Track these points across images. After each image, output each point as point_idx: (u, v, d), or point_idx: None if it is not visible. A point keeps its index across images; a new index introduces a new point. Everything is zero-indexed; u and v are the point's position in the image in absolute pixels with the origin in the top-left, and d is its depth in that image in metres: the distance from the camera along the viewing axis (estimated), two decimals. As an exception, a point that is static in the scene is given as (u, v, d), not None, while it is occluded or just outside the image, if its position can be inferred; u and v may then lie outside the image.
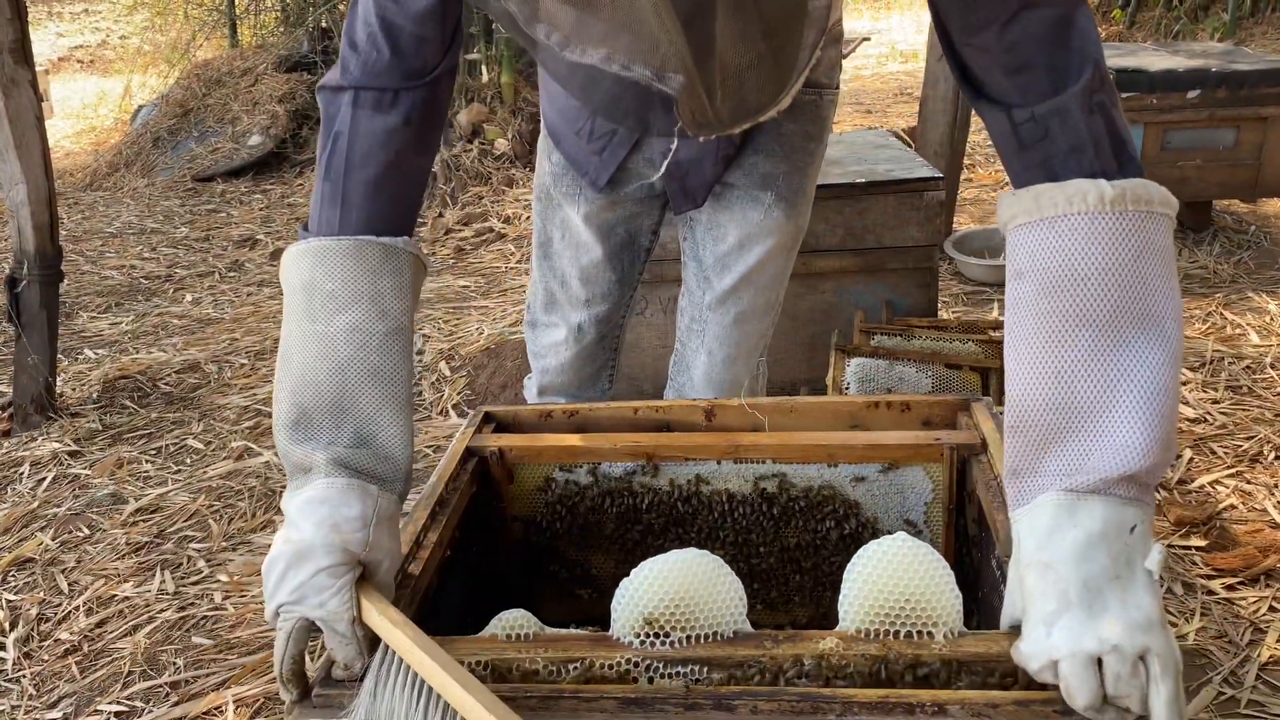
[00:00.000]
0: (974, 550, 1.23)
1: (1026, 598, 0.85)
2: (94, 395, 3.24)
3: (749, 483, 1.28)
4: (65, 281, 3.18)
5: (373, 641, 0.91)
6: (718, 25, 0.71)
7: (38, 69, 2.90)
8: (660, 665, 0.89)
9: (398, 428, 1.00)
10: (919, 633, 0.89)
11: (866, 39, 6.21)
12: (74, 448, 2.91)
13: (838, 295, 2.27)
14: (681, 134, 0.95)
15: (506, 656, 0.91)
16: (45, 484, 2.74)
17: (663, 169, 1.38)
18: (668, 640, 0.89)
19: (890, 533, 1.15)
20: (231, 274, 4.59)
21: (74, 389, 3.31)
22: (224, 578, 2.24)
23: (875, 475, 1.26)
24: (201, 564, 2.31)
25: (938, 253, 2.26)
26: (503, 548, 1.36)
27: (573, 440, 1.30)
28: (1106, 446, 0.84)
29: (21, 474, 2.80)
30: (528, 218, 4.92)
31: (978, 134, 5.68)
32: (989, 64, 0.93)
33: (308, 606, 0.89)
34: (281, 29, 7.95)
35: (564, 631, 0.94)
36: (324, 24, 7.26)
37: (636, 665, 0.88)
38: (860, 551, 0.93)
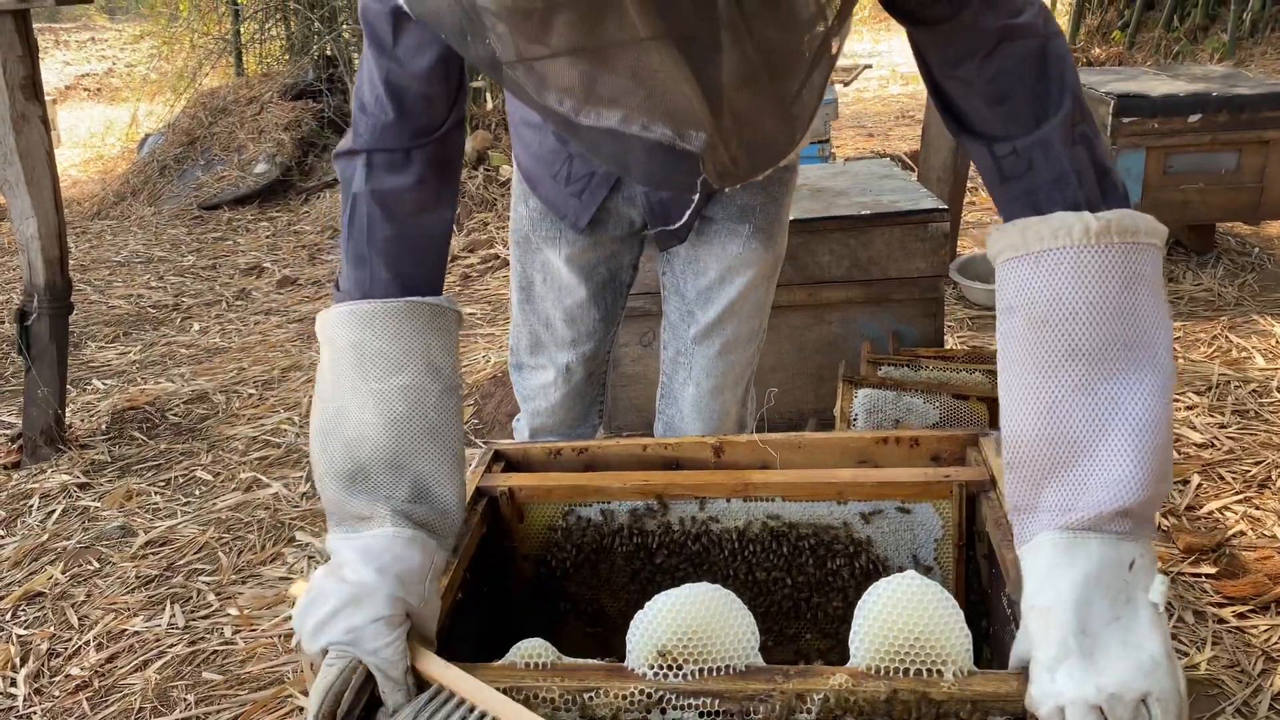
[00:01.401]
0: (984, 587, 1.24)
1: (1031, 642, 0.85)
2: (103, 427, 3.25)
3: (758, 521, 1.28)
4: (74, 312, 3.20)
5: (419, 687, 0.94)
6: (727, 76, 0.72)
7: (45, 98, 2.93)
8: (673, 697, 0.90)
9: (454, 485, 1.03)
10: (929, 671, 0.89)
11: (868, 66, 6.25)
12: (83, 480, 2.92)
13: (844, 326, 2.28)
14: (705, 186, 0.96)
15: (524, 684, 0.93)
16: (55, 516, 2.75)
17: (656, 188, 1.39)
18: (680, 673, 0.91)
19: (901, 569, 1.16)
20: (238, 302, 4.62)
21: (83, 420, 3.32)
22: (234, 611, 2.24)
23: (885, 512, 1.27)
24: (211, 597, 2.31)
25: (943, 283, 2.27)
26: (513, 588, 1.36)
27: (582, 480, 1.31)
28: (1100, 482, 0.84)
29: (31, 506, 2.81)
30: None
31: (980, 156, 5.70)
32: (970, 95, 0.94)
33: (363, 651, 0.91)
34: (286, 57, 8.02)
35: (580, 662, 0.96)
36: (329, 52, 7.33)
37: (649, 696, 0.90)
38: (870, 589, 0.94)
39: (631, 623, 0.94)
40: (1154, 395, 0.85)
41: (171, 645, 2.16)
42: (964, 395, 1.85)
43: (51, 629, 2.26)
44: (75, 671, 2.11)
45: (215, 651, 2.13)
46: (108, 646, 2.18)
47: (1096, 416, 0.84)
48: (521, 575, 1.36)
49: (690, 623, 0.91)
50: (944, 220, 2.17)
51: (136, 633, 2.22)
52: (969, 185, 4.25)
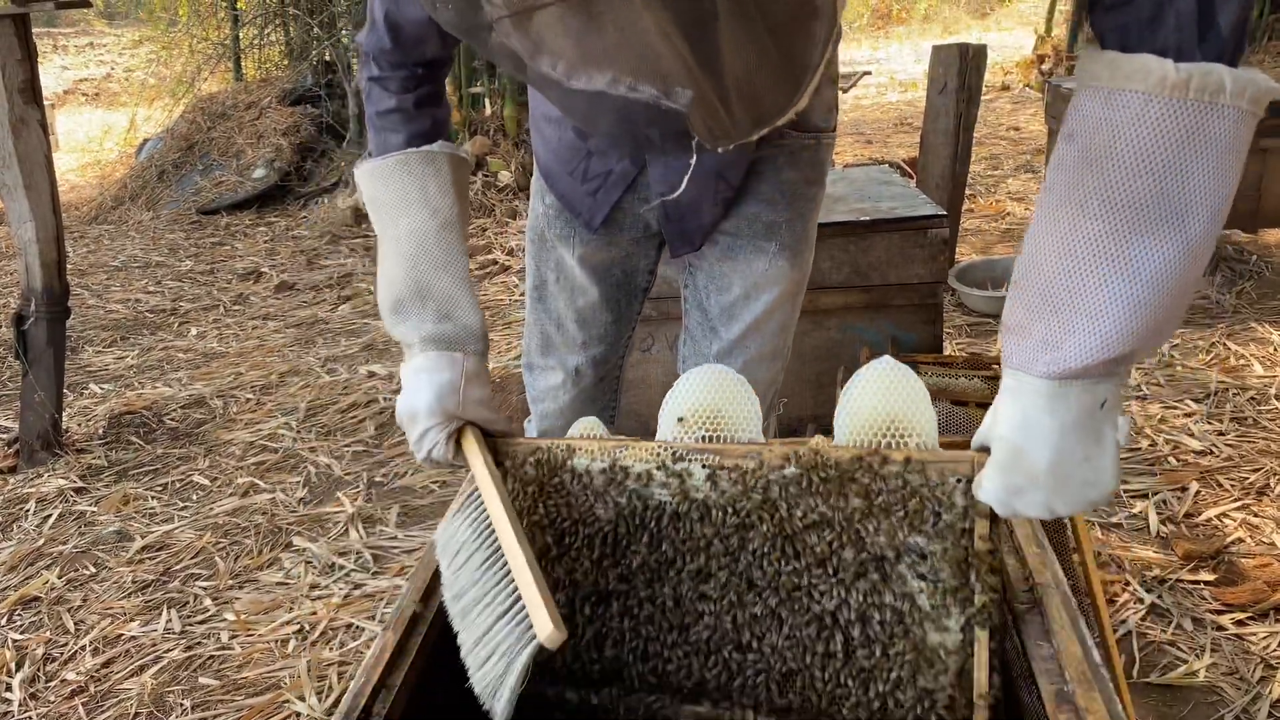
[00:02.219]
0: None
1: (996, 466, 0.91)
2: (100, 431, 3.25)
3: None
4: (71, 316, 3.19)
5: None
6: (721, 31, 0.71)
7: (44, 103, 2.93)
8: (683, 452, 1.06)
9: (468, 301, 1.18)
10: (896, 444, 1.02)
11: (867, 73, 6.25)
12: (80, 484, 2.92)
13: (843, 332, 2.27)
14: (699, 148, 0.96)
15: (573, 442, 1.10)
16: (51, 521, 2.74)
17: (666, 196, 1.39)
18: (692, 435, 1.07)
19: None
20: (236, 307, 4.61)
21: (80, 424, 3.32)
22: (230, 616, 2.23)
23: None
24: (208, 602, 2.30)
25: (942, 289, 2.27)
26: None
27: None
28: (1094, 329, 0.85)
29: (28, 511, 2.81)
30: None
31: (978, 164, 5.72)
32: None
33: (423, 452, 1.14)
34: (285, 63, 8.02)
35: (621, 437, 1.11)
36: (327, 58, 7.34)
37: (664, 451, 1.06)
38: (854, 377, 1.07)
39: (663, 399, 1.11)
40: (1174, 258, 0.83)
41: (168, 650, 2.15)
42: (963, 401, 1.85)
43: (47, 634, 2.25)
44: (71, 676, 2.10)
45: (212, 656, 2.12)
46: (104, 651, 2.18)
47: (1111, 267, 0.84)
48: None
49: (705, 397, 1.09)
50: (943, 227, 2.17)
51: (133, 638, 2.21)
52: (967, 192, 4.26)
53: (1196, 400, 2.78)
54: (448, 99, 1.33)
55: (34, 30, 2.86)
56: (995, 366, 2.02)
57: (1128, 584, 2.06)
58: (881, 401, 1.03)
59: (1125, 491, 2.38)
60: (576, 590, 1.10)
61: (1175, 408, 2.76)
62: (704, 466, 1.05)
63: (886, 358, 1.06)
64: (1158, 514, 2.28)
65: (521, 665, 0.90)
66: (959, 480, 0.98)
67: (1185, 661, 1.84)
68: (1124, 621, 1.96)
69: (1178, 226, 0.83)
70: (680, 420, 1.09)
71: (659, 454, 1.07)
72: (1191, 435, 2.60)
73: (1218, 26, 0.85)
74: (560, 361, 1.62)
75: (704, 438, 1.08)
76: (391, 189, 1.21)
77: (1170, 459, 2.51)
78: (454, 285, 1.18)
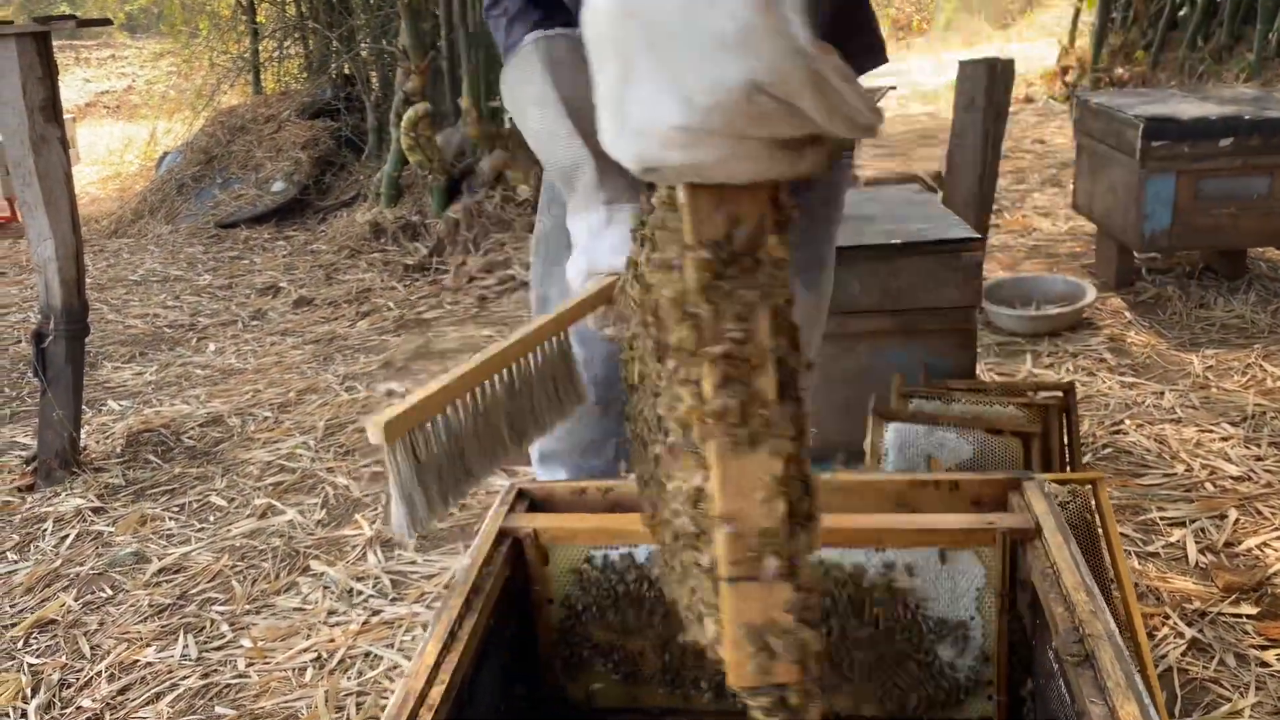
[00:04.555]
0: (1028, 639, 1.18)
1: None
2: (117, 449, 3.23)
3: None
4: (90, 334, 3.18)
5: None
6: None
7: (65, 116, 2.92)
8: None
9: (582, 157, 1.13)
10: None
11: (892, 88, 6.21)
12: (97, 504, 2.89)
13: (873, 357, 2.22)
14: None
15: None
16: (68, 541, 2.71)
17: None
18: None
19: (941, 621, 1.11)
20: (254, 323, 4.60)
21: (98, 442, 3.30)
22: (247, 643, 2.20)
23: (925, 560, 1.22)
24: (225, 628, 2.27)
25: (976, 314, 2.22)
26: (538, 632, 1.32)
27: (607, 522, 1.26)
28: None
29: (45, 530, 2.78)
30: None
31: (1002, 178, 5.65)
32: None
33: None
34: (305, 76, 8.04)
35: None
36: (346, 70, 7.35)
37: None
38: None
39: None
40: None
41: (184, 677, 2.12)
42: (998, 430, 1.80)
43: (63, 658, 2.22)
44: (87, 704, 2.07)
45: (228, 685, 2.08)
46: (119, 678, 2.14)
47: None
48: (545, 619, 1.32)
49: None
50: (977, 250, 2.12)
51: (149, 664, 2.18)
52: (993, 207, 4.20)
53: (1233, 423, 2.71)
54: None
55: (56, 42, 2.85)
56: (1030, 393, 1.97)
57: (1167, 617, 2.00)
58: None
59: (1161, 519, 2.32)
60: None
61: (1211, 431, 2.69)
62: None
63: None
64: (1196, 543, 2.22)
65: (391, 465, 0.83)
66: None
67: (1229, 700, 1.78)
68: (1163, 657, 1.89)
69: None
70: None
71: None
72: (1229, 460, 2.53)
73: None
74: None
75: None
76: (510, 104, 1.20)
77: (1207, 484, 2.45)
78: (567, 150, 1.14)
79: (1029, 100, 8.46)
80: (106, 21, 3.09)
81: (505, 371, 0.92)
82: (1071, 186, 4.21)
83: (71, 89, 13.21)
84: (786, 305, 0.60)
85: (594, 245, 1.07)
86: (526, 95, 1.17)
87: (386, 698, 1.99)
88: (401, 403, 0.82)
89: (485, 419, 0.90)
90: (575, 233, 1.11)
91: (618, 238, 1.05)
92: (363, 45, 7.08)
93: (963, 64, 3.36)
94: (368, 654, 2.12)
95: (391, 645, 2.13)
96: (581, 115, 1.13)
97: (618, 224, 1.07)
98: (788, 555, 0.60)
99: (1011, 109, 3.59)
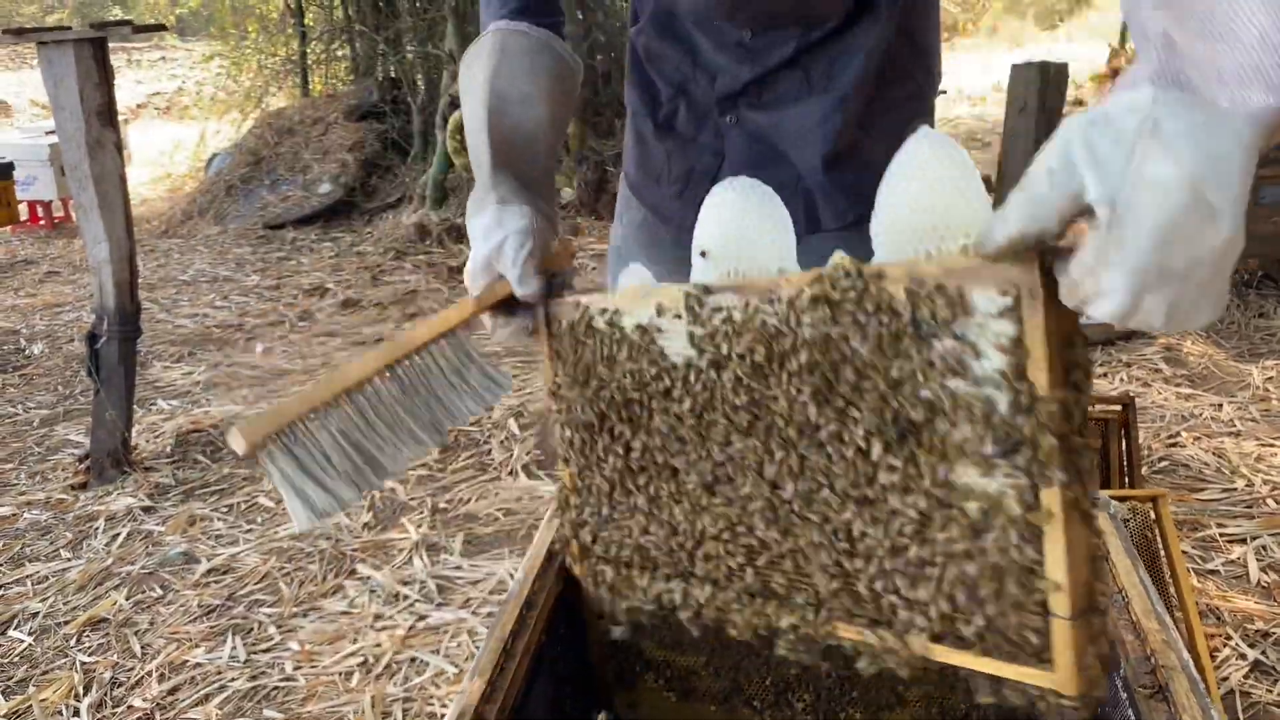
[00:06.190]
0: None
1: (1135, 234, 0.60)
2: (167, 449, 3.27)
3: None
4: (141, 335, 3.22)
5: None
6: None
7: (118, 117, 2.96)
8: (704, 293, 0.94)
9: (484, 154, 1.15)
10: (940, 250, 0.77)
11: (943, 92, 6.13)
12: (148, 503, 2.93)
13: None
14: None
15: (610, 299, 1.02)
16: (119, 540, 2.75)
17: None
18: (719, 269, 0.96)
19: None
20: (301, 323, 4.64)
21: (148, 441, 3.34)
22: (295, 646, 2.21)
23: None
24: (272, 630, 2.28)
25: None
26: (590, 646, 1.31)
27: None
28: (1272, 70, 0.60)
29: (97, 529, 2.82)
30: (594, 268, 4.91)
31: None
32: None
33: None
34: (351, 78, 8.11)
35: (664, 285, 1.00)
36: (393, 73, 7.40)
37: (690, 295, 0.95)
38: (889, 166, 0.82)
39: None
40: None
41: (232, 679, 2.13)
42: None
43: (115, 657, 2.25)
44: (137, 703, 2.09)
45: (276, 688, 2.10)
46: (169, 678, 2.16)
47: None
48: (596, 633, 1.30)
49: (730, 228, 0.96)
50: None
51: (198, 664, 2.20)
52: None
53: (1295, 438, 2.64)
54: (558, 11, 1.27)
55: (109, 44, 2.88)
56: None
57: (1229, 638, 1.95)
58: (922, 193, 0.78)
59: (1222, 535, 2.26)
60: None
61: (1272, 445, 2.62)
62: (720, 309, 0.92)
63: (924, 128, 0.80)
64: (1257, 560, 2.16)
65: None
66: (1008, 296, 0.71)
67: (1296, 726, 1.73)
68: (1225, 679, 1.85)
69: None
70: (704, 254, 0.97)
71: (684, 298, 0.96)
72: (1291, 476, 2.47)
73: None
74: None
75: (730, 272, 0.95)
76: (459, 88, 1.21)
77: (1269, 500, 2.39)
78: (477, 145, 1.15)
79: (1079, 103, 8.33)
80: (161, 27, 3.13)
81: (389, 371, 0.99)
82: None
83: (123, 90, 13.41)
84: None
85: (482, 240, 1.09)
86: (469, 80, 1.18)
87: (433, 704, 2.00)
88: (262, 411, 0.90)
89: (379, 414, 0.98)
90: (470, 230, 1.12)
91: (506, 240, 1.07)
92: (409, 48, 7.13)
93: (1015, 67, 3.31)
94: (414, 659, 2.12)
95: (437, 651, 2.13)
96: (503, 109, 1.15)
97: (505, 221, 1.08)
98: (1100, 591, 0.76)
99: (1063, 112, 3.53)
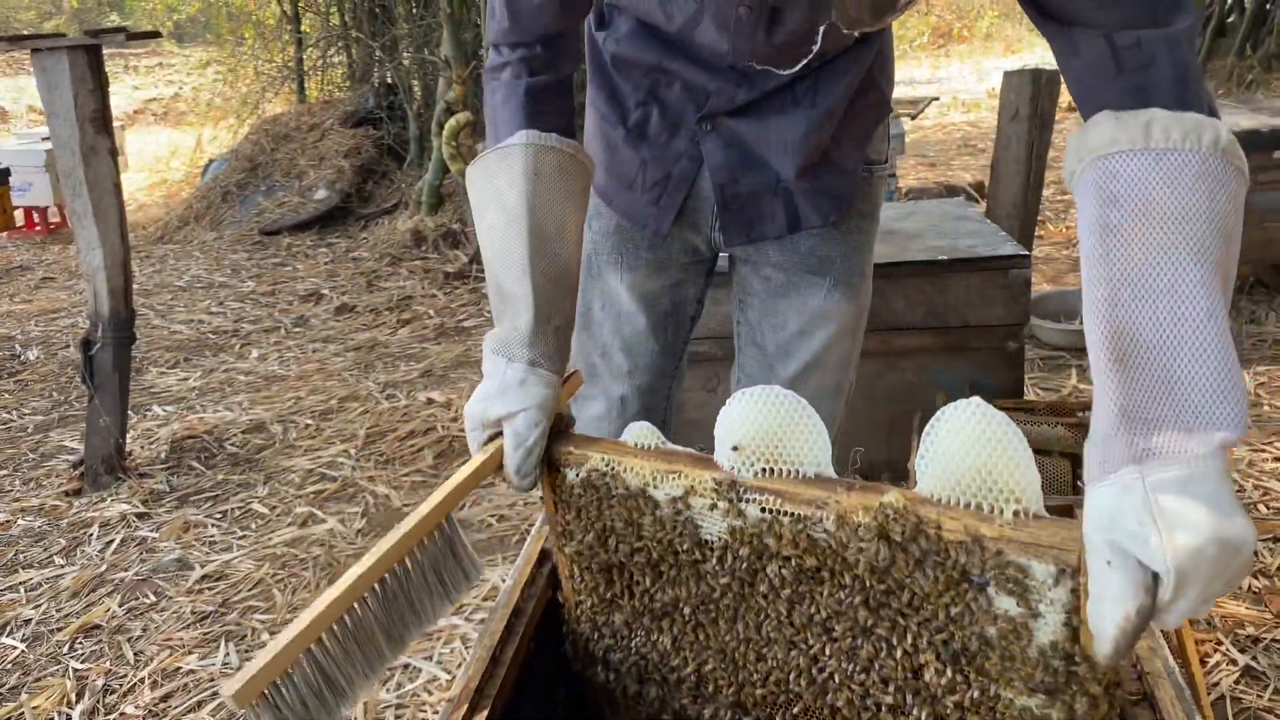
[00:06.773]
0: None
1: (1197, 583, 0.72)
2: (162, 455, 3.26)
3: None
4: (136, 341, 3.22)
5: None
6: None
7: (114, 124, 2.96)
8: (742, 490, 0.95)
9: (524, 299, 1.11)
10: (992, 507, 0.83)
11: (935, 99, 6.16)
12: (142, 509, 2.93)
13: (919, 375, 2.20)
14: (830, 31, 1.00)
15: (625, 459, 1.03)
16: (113, 546, 2.75)
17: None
18: (751, 469, 0.95)
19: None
20: (297, 329, 4.64)
21: (142, 447, 3.34)
22: (288, 652, 2.21)
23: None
24: (265, 637, 2.28)
25: (1024, 332, 2.18)
26: (578, 653, 1.31)
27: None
28: (1225, 409, 0.75)
29: (91, 535, 2.82)
30: (589, 274, 4.91)
31: (1046, 189, 5.58)
32: None
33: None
34: (348, 84, 8.13)
35: (675, 448, 1.03)
36: (389, 80, 7.41)
37: (721, 485, 0.96)
38: (936, 420, 0.88)
39: (718, 417, 1.00)
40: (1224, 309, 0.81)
41: (225, 686, 2.13)
42: (1046, 451, 1.77)
43: (108, 664, 2.25)
44: (130, 710, 2.09)
45: (269, 694, 2.09)
46: (162, 685, 2.16)
47: (1215, 324, 0.78)
48: (586, 640, 1.31)
49: (763, 424, 0.96)
50: (1025, 267, 2.09)
51: (191, 671, 2.20)
52: (1037, 219, 4.15)
53: (1287, 444, 2.65)
54: (573, 101, 1.26)
55: (106, 50, 2.89)
56: (1080, 414, 1.93)
57: (1219, 643, 1.95)
58: (974, 453, 0.84)
59: (1213, 542, 2.27)
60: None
61: (1264, 450, 2.63)
62: (762, 510, 0.94)
63: (976, 399, 0.87)
64: (1249, 567, 2.16)
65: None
66: (1065, 573, 0.80)
67: (1288, 733, 1.74)
68: (1216, 685, 1.85)
69: (1228, 289, 0.81)
70: (735, 449, 0.96)
71: (718, 487, 0.97)
72: (1283, 483, 2.48)
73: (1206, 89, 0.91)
74: (604, 391, 1.59)
75: (763, 470, 0.95)
76: (475, 190, 1.18)
77: (1260, 506, 2.39)
78: (514, 282, 1.12)
79: (1073, 109, 8.35)
80: (155, 34, 3.13)
81: (378, 584, 0.93)
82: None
83: (120, 96, 13.44)
84: None
85: (500, 399, 1.06)
86: (495, 192, 1.14)
87: (425, 710, 2.00)
88: (254, 663, 0.83)
89: (357, 638, 0.91)
90: (486, 372, 1.10)
91: (523, 415, 1.05)
92: (405, 54, 7.14)
93: (1007, 74, 3.33)
94: (406, 666, 2.12)
95: (430, 658, 2.14)
96: (543, 243, 1.11)
97: (529, 388, 1.06)
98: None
99: (1056, 118, 3.55)
